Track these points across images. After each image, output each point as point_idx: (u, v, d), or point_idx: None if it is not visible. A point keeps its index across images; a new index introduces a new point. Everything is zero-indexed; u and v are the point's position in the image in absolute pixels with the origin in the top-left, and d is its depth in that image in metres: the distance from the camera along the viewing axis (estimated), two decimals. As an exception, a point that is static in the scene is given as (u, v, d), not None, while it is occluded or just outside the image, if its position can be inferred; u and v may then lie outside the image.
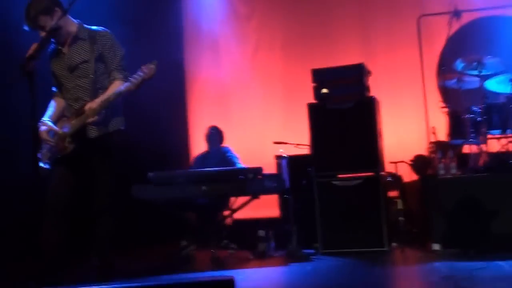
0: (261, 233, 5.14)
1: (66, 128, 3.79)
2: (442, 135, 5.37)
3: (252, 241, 5.19)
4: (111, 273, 3.75)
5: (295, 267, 4.53)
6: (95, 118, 3.66)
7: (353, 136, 5.09)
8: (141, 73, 3.61)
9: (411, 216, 5.39)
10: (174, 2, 7.32)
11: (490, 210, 4.46)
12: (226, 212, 5.18)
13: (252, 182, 4.57)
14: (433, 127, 5.54)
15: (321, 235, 5.07)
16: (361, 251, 4.92)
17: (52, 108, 3.92)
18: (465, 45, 6.17)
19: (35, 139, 3.36)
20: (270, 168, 5.35)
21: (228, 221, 5.26)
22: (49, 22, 3.61)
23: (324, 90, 5.22)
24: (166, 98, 6.40)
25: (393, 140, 6.07)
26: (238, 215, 5.17)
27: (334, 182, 5.11)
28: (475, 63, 4.99)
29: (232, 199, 5.16)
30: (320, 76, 5.31)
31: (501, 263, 3.91)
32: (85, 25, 3.86)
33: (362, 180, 5.05)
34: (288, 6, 7.25)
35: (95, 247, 3.83)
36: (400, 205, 5.30)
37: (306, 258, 4.79)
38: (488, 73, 5.10)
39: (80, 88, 3.79)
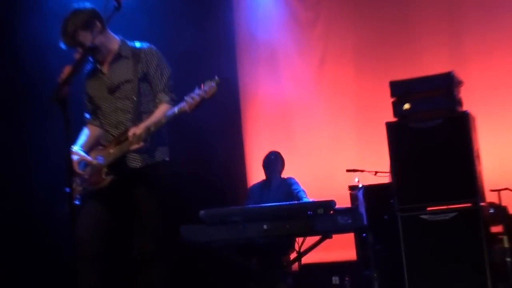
0: (335, 280, 5.26)
1: (101, 158, 3.78)
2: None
3: (324, 290, 5.27)
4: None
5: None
6: (140, 145, 3.64)
7: (444, 160, 4.93)
8: (200, 92, 3.57)
9: (521, 256, 5.26)
10: (224, 10, 7.36)
11: None
12: (293, 255, 5.18)
13: (322, 218, 4.52)
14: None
15: (408, 282, 4.91)
16: (460, 300, 4.79)
17: (84, 136, 3.92)
18: None
19: (69, 172, 3.35)
20: (343, 201, 5.27)
21: (295, 266, 5.23)
22: (89, 38, 3.65)
23: (406, 106, 5.12)
24: (218, 121, 6.44)
25: (494, 164, 5.91)
26: (307, 259, 5.13)
27: (423, 216, 4.94)
28: None
29: (299, 239, 5.13)
30: (401, 89, 5.18)
31: None
32: (128, 41, 3.89)
33: (457, 212, 4.89)
34: (359, 9, 7.21)
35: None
36: (506, 242, 5.18)
37: (391, 311, 4.84)
38: None
39: (121, 111, 3.81)
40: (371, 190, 5.44)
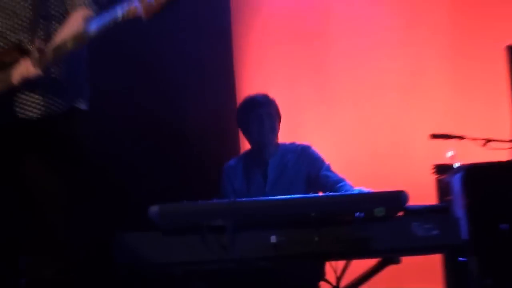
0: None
1: None
2: None
3: None
4: None
5: None
6: (39, 72, 3.20)
7: None
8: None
9: None
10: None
11: None
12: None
13: (383, 226, 3.70)
14: None
15: None
16: None
17: None
18: None
19: None
20: (420, 194, 4.24)
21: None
22: None
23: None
24: (213, 121, 6.39)
25: None
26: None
27: None
28: None
29: (337, 262, 4.13)
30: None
31: None
32: None
33: None
34: None
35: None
36: None
37: None
38: None
39: (11, 14, 3.38)
40: (478, 174, 4.42)
